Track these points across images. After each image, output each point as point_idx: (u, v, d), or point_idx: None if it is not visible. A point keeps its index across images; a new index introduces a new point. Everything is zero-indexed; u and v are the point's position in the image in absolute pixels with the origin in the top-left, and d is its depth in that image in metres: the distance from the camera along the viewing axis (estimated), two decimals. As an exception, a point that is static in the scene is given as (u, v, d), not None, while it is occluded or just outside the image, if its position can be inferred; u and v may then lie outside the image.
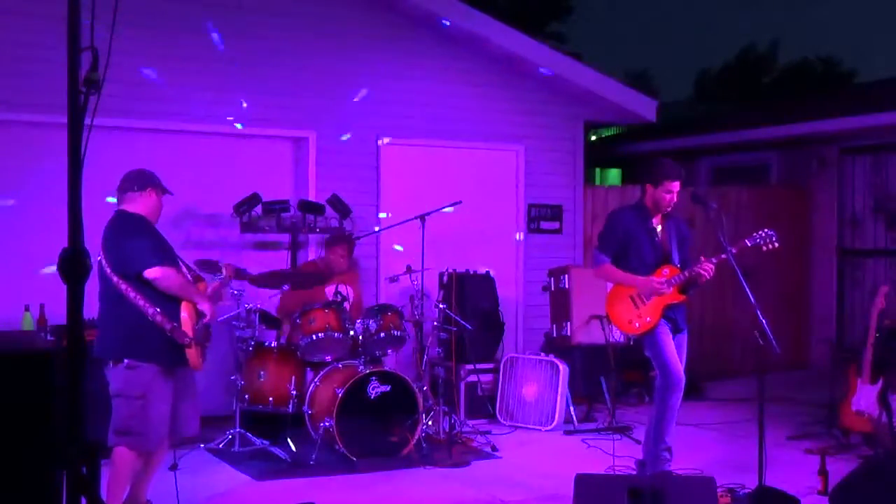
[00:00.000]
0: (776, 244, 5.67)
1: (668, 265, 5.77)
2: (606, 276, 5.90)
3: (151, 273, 4.78)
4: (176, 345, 4.82)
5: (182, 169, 7.65)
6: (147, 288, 4.80)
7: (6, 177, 7.13)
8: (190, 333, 4.82)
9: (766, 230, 5.70)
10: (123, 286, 4.78)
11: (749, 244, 5.65)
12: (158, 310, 4.78)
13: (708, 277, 5.69)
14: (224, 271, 5.45)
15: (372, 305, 7.07)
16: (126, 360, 4.82)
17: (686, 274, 5.69)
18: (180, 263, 5.07)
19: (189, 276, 5.08)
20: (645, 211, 5.86)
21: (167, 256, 4.94)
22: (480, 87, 8.78)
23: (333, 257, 7.29)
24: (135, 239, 4.84)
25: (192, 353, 4.87)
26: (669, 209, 5.84)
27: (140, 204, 5.00)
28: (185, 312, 4.85)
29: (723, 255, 5.60)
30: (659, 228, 5.86)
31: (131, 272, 4.79)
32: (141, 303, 4.77)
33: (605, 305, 5.99)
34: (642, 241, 5.79)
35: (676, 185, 5.78)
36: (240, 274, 5.88)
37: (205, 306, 4.95)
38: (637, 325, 5.77)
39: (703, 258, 5.69)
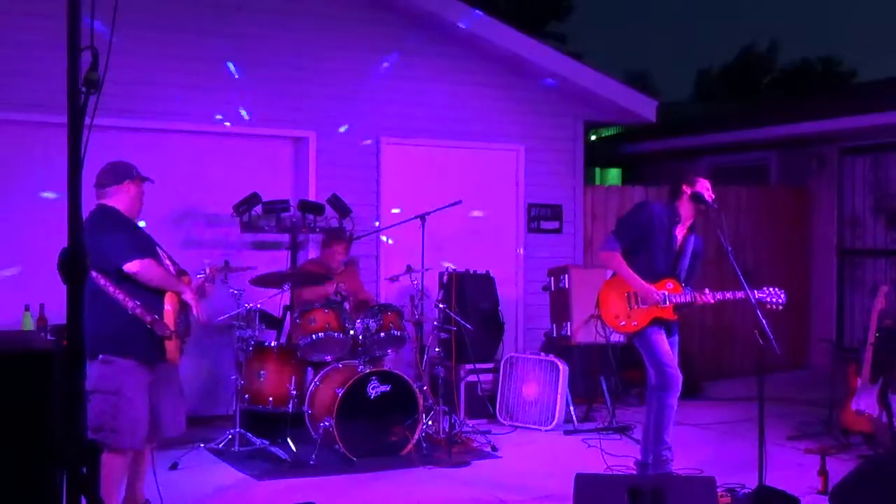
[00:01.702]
0: (781, 307, 5.63)
1: (673, 279, 5.75)
2: (613, 265, 5.82)
3: (131, 267, 4.72)
4: (155, 339, 4.75)
5: (182, 169, 7.67)
6: (127, 282, 4.73)
7: (6, 176, 7.14)
8: (171, 326, 4.77)
9: (776, 288, 5.64)
10: (103, 281, 4.71)
11: (756, 297, 5.47)
12: (139, 303, 4.72)
13: (701, 306, 5.77)
14: (207, 270, 5.32)
15: (372, 305, 7.07)
16: (101, 356, 4.71)
17: (687, 298, 5.69)
18: (161, 255, 4.99)
19: (172, 268, 5.01)
20: (675, 216, 5.79)
21: (146, 249, 4.87)
22: (480, 86, 8.78)
23: (330, 256, 7.28)
24: (111, 234, 4.76)
25: (170, 346, 4.79)
26: (713, 202, 5.71)
27: (118, 197, 4.90)
28: (168, 304, 4.79)
29: (728, 294, 5.65)
30: (679, 239, 5.81)
31: (110, 267, 4.72)
32: (120, 297, 4.70)
33: (599, 290, 5.92)
34: (659, 244, 5.74)
35: (708, 182, 5.78)
36: (223, 268, 5.85)
37: (189, 296, 4.90)
38: (623, 323, 5.77)
39: (707, 290, 5.71)
